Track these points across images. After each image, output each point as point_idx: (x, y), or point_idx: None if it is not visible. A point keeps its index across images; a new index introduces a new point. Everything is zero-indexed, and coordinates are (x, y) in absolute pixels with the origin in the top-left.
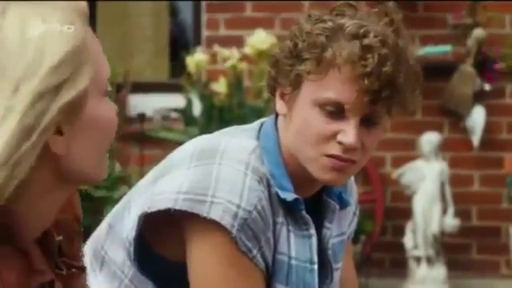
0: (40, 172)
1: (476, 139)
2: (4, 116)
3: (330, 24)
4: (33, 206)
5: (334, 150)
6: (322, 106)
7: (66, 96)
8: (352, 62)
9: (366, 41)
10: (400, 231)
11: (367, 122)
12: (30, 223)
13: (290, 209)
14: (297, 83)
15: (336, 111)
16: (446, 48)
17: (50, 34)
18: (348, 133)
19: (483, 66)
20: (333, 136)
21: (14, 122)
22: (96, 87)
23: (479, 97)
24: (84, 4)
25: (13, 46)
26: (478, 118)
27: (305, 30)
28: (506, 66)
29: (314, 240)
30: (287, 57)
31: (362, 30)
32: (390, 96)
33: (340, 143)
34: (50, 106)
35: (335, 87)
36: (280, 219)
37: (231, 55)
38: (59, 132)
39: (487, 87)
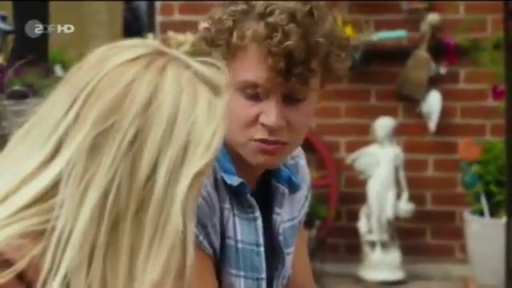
0: None
1: (432, 124)
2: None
3: (241, 6)
4: None
5: (260, 133)
6: (241, 89)
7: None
8: (257, 42)
9: (270, 19)
10: (354, 216)
11: (290, 100)
12: None
13: (235, 193)
14: None
15: (255, 94)
16: (401, 33)
17: (202, 115)
18: (269, 113)
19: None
20: (256, 119)
21: (177, 208)
22: None
23: (434, 82)
24: (225, 80)
25: (165, 117)
26: (433, 102)
27: (216, 16)
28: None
29: (260, 223)
30: (205, 45)
31: (268, 9)
32: (301, 72)
33: (263, 125)
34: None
35: (247, 69)
36: (227, 205)
37: (186, 40)
38: None
39: (442, 71)
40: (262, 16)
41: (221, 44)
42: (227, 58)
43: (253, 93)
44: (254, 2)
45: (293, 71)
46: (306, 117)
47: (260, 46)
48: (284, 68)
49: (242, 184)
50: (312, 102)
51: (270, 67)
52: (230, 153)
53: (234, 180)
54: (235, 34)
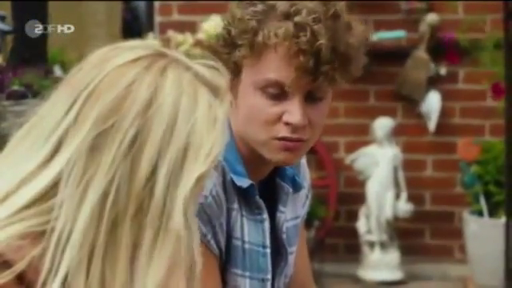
0: None
1: (432, 124)
2: (165, 205)
3: (260, 7)
4: None
5: (283, 131)
6: (263, 88)
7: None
8: (286, 41)
9: (297, 18)
10: (353, 216)
11: (311, 98)
12: None
13: (243, 195)
14: (236, 71)
15: (278, 92)
16: (400, 33)
17: (202, 117)
18: (293, 112)
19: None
20: (279, 118)
21: (179, 211)
22: None
23: (433, 82)
24: (225, 82)
25: (165, 118)
26: (433, 103)
27: (236, 16)
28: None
29: (267, 224)
30: (223, 45)
31: (293, 9)
32: (328, 71)
33: (287, 124)
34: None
35: (272, 68)
36: (235, 206)
37: (184, 40)
38: None
39: (442, 71)
40: (288, 15)
41: (243, 44)
42: (248, 57)
43: (275, 92)
44: (272, 2)
45: (320, 70)
46: (323, 115)
47: (289, 45)
48: (312, 67)
49: (251, 186)
50: (329, 101)
51: (298, 66)
52: (242, 154)
53: (244, 182)
54: (261, 34)
